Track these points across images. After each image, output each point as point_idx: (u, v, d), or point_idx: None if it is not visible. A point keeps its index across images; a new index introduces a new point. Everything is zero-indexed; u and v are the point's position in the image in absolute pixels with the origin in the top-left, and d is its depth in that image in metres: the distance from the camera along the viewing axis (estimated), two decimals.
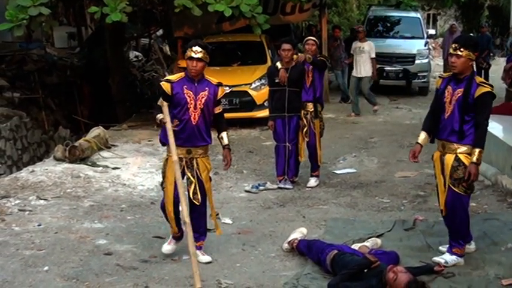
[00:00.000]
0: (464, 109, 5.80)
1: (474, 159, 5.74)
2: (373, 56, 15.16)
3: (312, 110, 9.01)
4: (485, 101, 5.79)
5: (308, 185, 9.13)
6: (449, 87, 5.93)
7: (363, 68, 15.09)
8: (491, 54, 19.16)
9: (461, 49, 5.77)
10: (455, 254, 6.05)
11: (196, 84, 6.09)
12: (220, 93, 6.23)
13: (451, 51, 5.88)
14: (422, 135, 6.22)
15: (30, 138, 14.48)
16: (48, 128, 15.63)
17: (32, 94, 15.82)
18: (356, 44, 15.45)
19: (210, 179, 6.33)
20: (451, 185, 5.90)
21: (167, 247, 6.38)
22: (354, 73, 15.41)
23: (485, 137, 5.81)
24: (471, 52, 5.78)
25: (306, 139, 9.07)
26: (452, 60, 5.85)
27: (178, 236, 6.34)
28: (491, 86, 5.86)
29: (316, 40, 9.28)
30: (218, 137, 6.39)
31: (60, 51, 20.33)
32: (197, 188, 6.15)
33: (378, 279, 5.44)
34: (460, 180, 5.86)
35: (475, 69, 6.07)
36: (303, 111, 8.99)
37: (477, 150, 5.75)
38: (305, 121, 9.01)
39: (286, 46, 8.78)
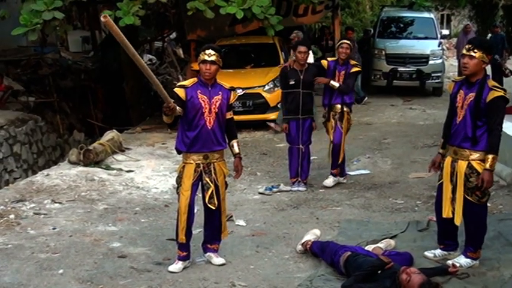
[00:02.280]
0: (476, 114, 5.70)
1: (487, 165, 5.65)
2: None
3: (340, 111, 8.99)
4: (498, 105, 5.68)
5: (324, 184, 9.12)
6: (461, 91, 5.85)
7: None
8: (507, 54, 19.00)
9: (475, 50, 5.68)
10: (470, 257, 6.01)
11: (210, 89, 6.10)
12: (232, 98, 6.24)
13: (464, 51, 5.78)
14: (442, 144, 6.16)
15: (45, 142, 14.57)
16: (63, 132, 15.73)
17: (47, 98, 15.93)
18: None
19: (226, 183, 6.33)
20: (465, 194, 5.83)
21: (175, 266, 6.15)
22: None
23: (499, 142, 5.70)
24: (485, 54, 5.69)
25: (331, 138, 9.08)
26: (465, 61, 5.76)
27: (184, 256, 6.18)
28: (504, 90, 5.76)
29: (351, 44, 9.12)
30: (229, 144, 6.36)
31: (75, 55, 20.47)
32: (214, 193, 6.15)
33: (392, 280, 5.43)
34: (473, 189, 5.78)
35: (488, 73, 5.99)
36: (332, 113, 8.99)
37: (490, 157, 5.65)
38: (333, 122, 9.00)
39: (302, 48, 8.78)
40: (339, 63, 8.96)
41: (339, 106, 8.98)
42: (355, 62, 9.24)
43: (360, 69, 9.17)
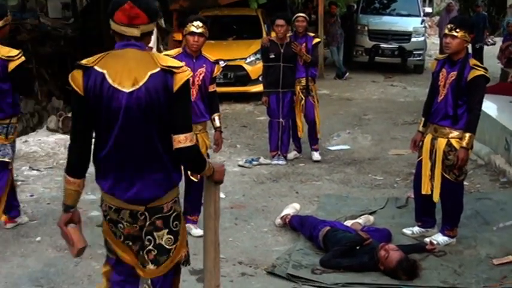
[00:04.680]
0: (458, 93, 5.71)
1: (464, 143, 5.68)
2: (152, 45, 13.83)
3: (305, 84, 8.98)
4: (478, 84, 5.69)
5: (314, 159, 9.18)
6: (443, 70, 5.85)
7: None
8: (488, 34, 19.07)
9: (457, 30, 5.68)
10: (447, 235, 6.06)
11: (194, 61, 6.06)
12: (216, 71, 6.20)
13: (446, 31, 5.79)
14: (423, 122, 6.17)
15: (23, 108, 14.33)
16: (42, 99, 15.54)
17: (25, 64, 15.71)
18: None
19: (208, 155, 6.30)
20: (442, 172, 5.87)
21: None
22: None
23: (477, 121, 5.73)
24: (467, 33, 5.68)
25: (302, 113, 9.08)
26: (447, 41, 5.77)
27: None
28: (485, 69, 5.78)
29: (306, 17, 9.25)
30: (210, 118, 6.34)
31: (54, 22, 20.14)
32: None
33: (370, 256, 5.46)
34: (451, 167, 5.82)
35: (470, 52, 5.99)
36: (299, 87, 8.97)
37: (467, 135, 5.68)
38: (301, 95, 8.99)
39: (279, 22, 8.75)
40: (298, 37, 8.98)
41: (304, 80, 8.97)
42: (313, 34, 9.35)
43: (320, 39, 9.35)
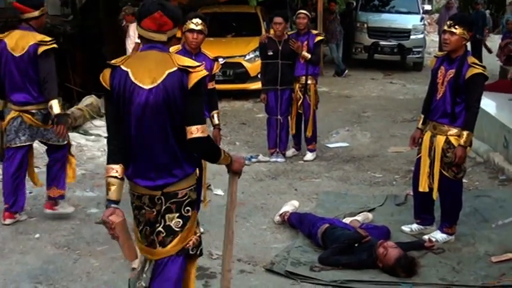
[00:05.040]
0: (456, 90, 5.71)
1: (462, 141, 5.68)
2: (138, 41, 13.21)
3: (304, 83, 8.95)
4: (476, 82, 5.68)
5: (305, 159, 9.13)
6: (442, 67, 5.85)
7: None
8: (487, 32, 19.05)
9: (456, 26, 5.68)
10: (445, 232, 6.06)
11: (193, 58, 6.04)
12: (215, 68, 6.21)
13: (445, 28, 5.79)
14: (422, 120, 6.17)
15: None
16: None
17: None
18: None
19: None
20: (441, 169, 5.87)
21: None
22: None
23: (475, 119, 5.73)
24: (465, 31, 5.68)
25: (300, 111, 9.07)
26: (446, 37, 5.77)
27: None
28: (483, 67, 5.78)
29: (307, 13, 9.18)
30: (209, 115, 6.33)
31: (53, 19, 20.09)
32: None
33: (369, 253, 5.47)
34: (449, 165, 5.82)
35: (469, 49, 5.99)
36: (298, 85, 8.96)
37: (465, 133, 5.68)
38: (300, 94, 8.98)
39: (277, 20, 8.74)
40: (299, 34, 8.94)
41: (303, 78, 8.95)
42: (317, 31, 9.28)
43: (323, 37, 9.23)
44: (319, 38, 9.03)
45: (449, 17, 6.00)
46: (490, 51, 16.84)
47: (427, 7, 25.47)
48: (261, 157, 9.04)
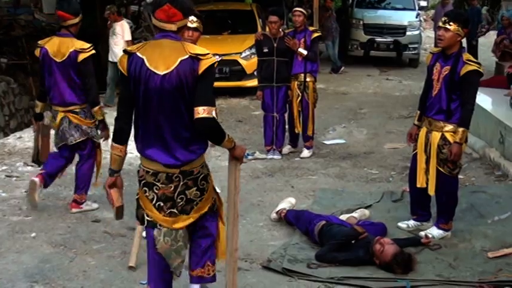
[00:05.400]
0: (451, 87, 5.71)
1: (457, 138, 5.68)
2: (128, 38, 12.94)
3: (303, 80, 8.95)
4: (471, 79, 5.68)
5: (301, 156, 9.13)
6: (437, 64, 5.85)
7: (116, 53, 12.46)
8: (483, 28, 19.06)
9: (451, 23, 5.68)
10: (442, 228, 6.07)
11: None
12: None
13: (440, 24, 5.80)
14: (418, 116, 6.17)
15: (18, 104, 14.34)
16: (36, 94, 15.50)
17: (20, 60, 15.65)
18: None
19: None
20: (437, 165, 5.87)
21: None
22: (110, 58, 13.15)
23: (470, 116, 5.73)
24: (460, 27, 5.68)
25: (299, 109, 9.06)
26: (440, 34, 5.79)
27: None
28: (478, 64, 5.77)
29: (304, 11, 9.15)
30: None
31: (49, 17, 20.07)
32: None
33: (365, 250, 5.47)
34: (445, 161, 5.82)
35: (464, 46, 6.00)
36: (296, 82, 8.95)
37: (461, 130, 5.68)
38: (298, 91, 8.97)
39: (273, 18, 8.74)
40: (296, 32, 8.94)
41: (302, 75, 8.94)
42: (314, 28, 9.27)
43: (320, 33, 9.21)
44: (316, 34, 9.01)
45: (444, 13, 6.00)
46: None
47: (423, 3, 25.41)
48: (257, 154, 9.04)
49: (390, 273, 5.29)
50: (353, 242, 5.63)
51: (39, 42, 6.72)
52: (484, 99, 9.35)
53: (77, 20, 6.60)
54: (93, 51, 6.57)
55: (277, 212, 6.59)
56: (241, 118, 11.64)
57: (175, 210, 4.10)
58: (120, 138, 4.13)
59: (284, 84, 8.91)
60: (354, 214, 6.46)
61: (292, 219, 6.33)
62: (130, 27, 22.38)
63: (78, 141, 6.64)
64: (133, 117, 4.08)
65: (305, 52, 8.77)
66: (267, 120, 9.06)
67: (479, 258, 5.61)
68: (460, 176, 6.25)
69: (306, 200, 7.26)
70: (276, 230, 6.41)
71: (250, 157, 8.95)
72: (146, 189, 4.10)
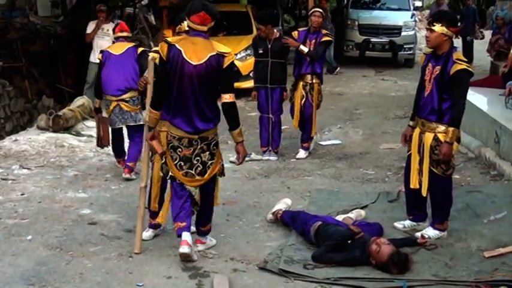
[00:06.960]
0: (442, 87, 5.72)
1: (448, 138, 5.69)
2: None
3: (310, 81, 8.95)
4: (461, 78, 5.68)
5: (297, 156, 9.14)
6: (429, 64, 5.87)
7: None
8: (478, 28, 19.10)
9: (434, 23, 5.71)
10: (437, 228, 6.07)
11: None
12: None
13: (426, 25, 5.86)
14: (412, 117, 6.18)
15: (13, 107, 14.34)
16: (32, 97, 15.47)
17: (15, 63, 15.63)
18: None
19: None
20: (430, 166, 5.88)
21: (145, 234, 6.03)
22: (92, 58, 12.91)
23: (461, 116, 5.73)
24: (445, 27, 5.69)
25: (296, 108, 9.07)
26: (427, 35, 5.85)
27: (155, 224, 6.08)
28: (467, 63, 5.78)
29: (323, 12, 9.11)
30: None
31: (44, 20, 20.05)
32: None
33: (362, 250, 5.47)
34: (438, 162, 5.83)
35: (456, 46, 6.01)
36: (302, 83, 8.95)
37: (451, 130, 5.68)
38: (303, 92, 8.98)
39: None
40: (310, 31, 8.93)
41: (309, 76, 8.94)
42: (326, 32, 9.23)
43: (330, 38, 9.17)
44: (325, 38, 8.94)
45: (429, 15, 6.03)
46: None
47: (418, 3, 25.54)
48: (253, 155, 9.04)
49: (386, 273, 5.29)
50: (349, 242, 5.63)
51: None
52: (479, 99, 9.37)
53: None
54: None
55: (273, 213, 6.59)
56: None
57: (192, 171, 5.39)
58: (158, 105, 5.41)
59: (278, 85, 8.92)
60: (350, 214, 6.47)
61: (289, 220, 6.33)
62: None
63: (121, 126, 8.19)
64: (166, 92, 5.31)
65: (306, 49, 8.77)
66: (263, 122, 9.08)
67: (476, 258, 5.62)
68: (455, 176, 6.27)
69: (302, 200, 7.27)
70: (272, 231, 6.41)
71: (246, 158, 8.92)
72: (172, 150, 5.40)
